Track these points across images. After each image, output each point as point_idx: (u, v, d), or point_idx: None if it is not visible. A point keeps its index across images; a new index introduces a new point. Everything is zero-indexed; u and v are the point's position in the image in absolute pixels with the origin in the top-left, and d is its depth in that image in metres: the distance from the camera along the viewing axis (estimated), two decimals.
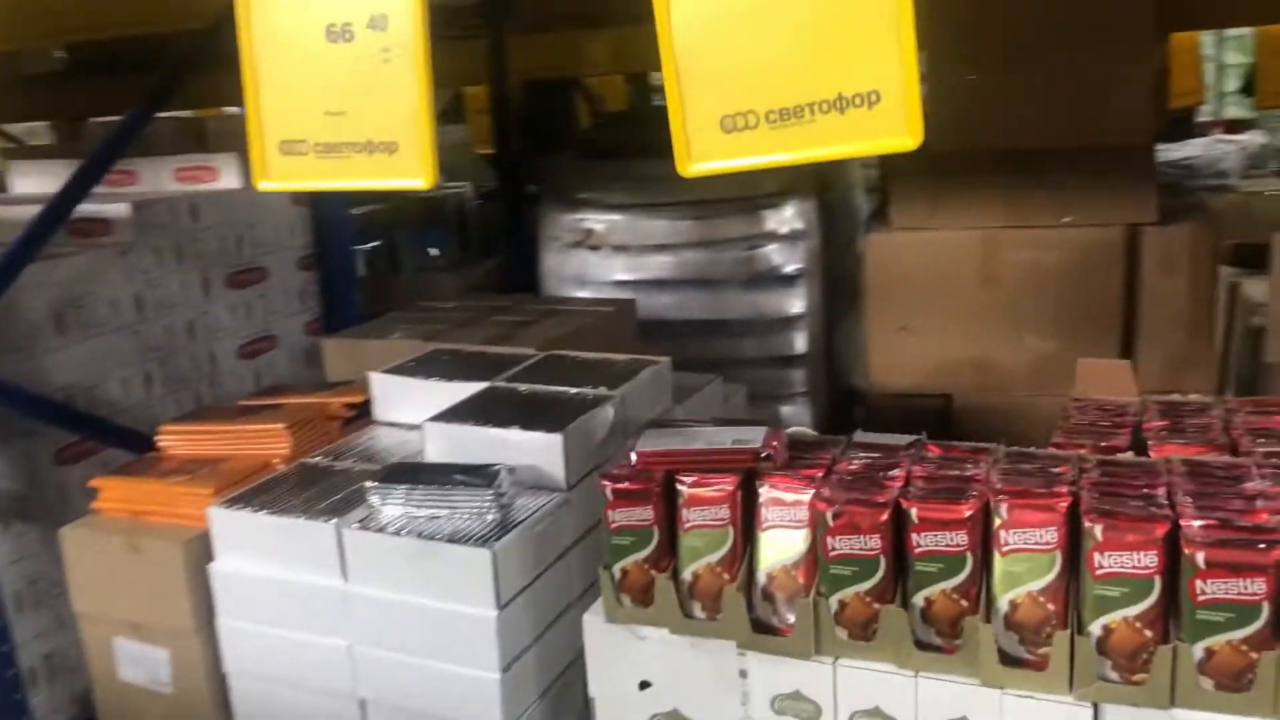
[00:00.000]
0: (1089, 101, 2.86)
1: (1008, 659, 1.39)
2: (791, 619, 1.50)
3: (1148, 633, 1.32)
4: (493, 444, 1.97)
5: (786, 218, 3.46)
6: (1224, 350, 3.17)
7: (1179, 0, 2.93)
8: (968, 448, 1.58)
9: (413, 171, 1.42)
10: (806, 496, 1.49)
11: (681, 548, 1.56)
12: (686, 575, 1.56)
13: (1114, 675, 1.34)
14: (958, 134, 2.75)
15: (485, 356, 2.46)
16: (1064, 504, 1.37)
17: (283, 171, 1.49)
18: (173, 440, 2.22)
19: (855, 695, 1.47)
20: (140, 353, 2.80)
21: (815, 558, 1.49)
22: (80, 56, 4.62)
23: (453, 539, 1.76)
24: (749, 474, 1.55)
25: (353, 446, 2.23)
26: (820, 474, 1.53)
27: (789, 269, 3.48)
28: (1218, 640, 1.28)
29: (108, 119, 3.81)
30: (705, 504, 1.54)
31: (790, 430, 1.66)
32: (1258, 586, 1.24)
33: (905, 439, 1.63)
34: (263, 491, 2.00)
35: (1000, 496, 1.40)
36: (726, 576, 1.54)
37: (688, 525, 1.55)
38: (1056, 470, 1.47)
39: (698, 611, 1.57)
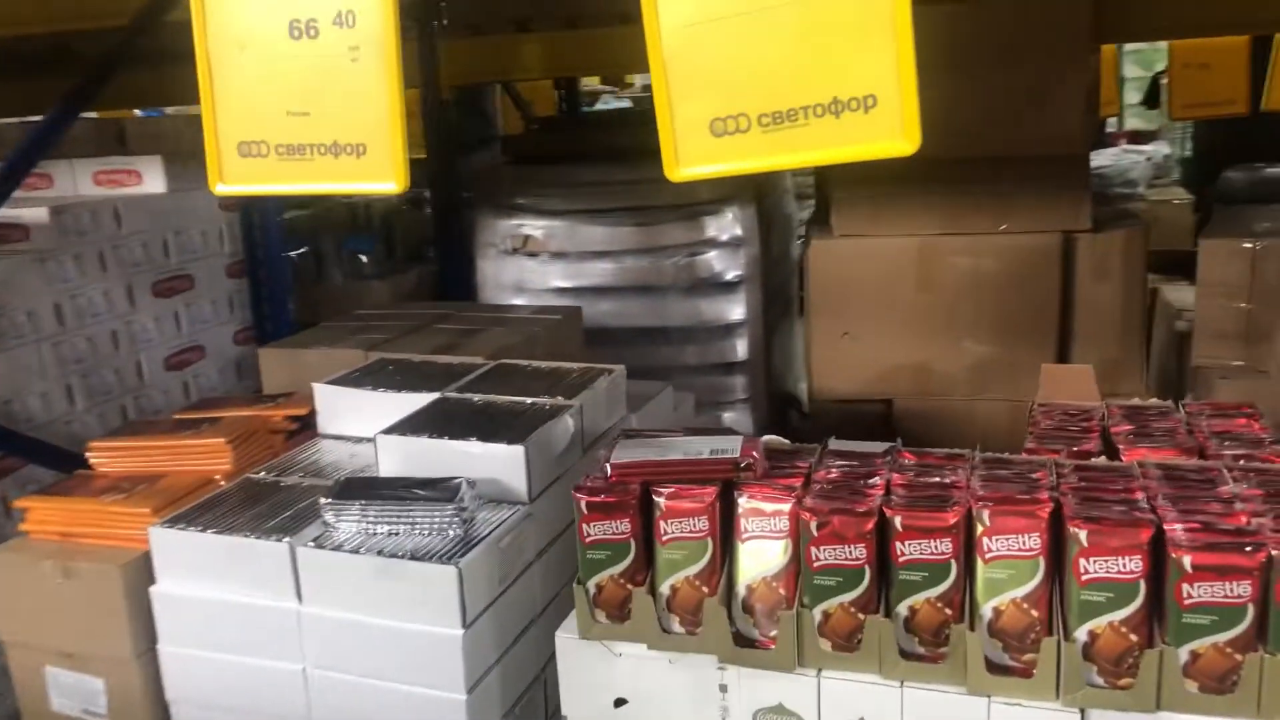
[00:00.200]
0: (1026, 111, 2.92)
1: (993, 666, 1.39)
2: (773, 631, 1.48)
3: (1133, 637, 1.32)
4: (450, 456, 1.90)
5: (727, 224, 3.45)
6: (1146, 353, 3.25)
7: (1112, 13, 2.99)
8: (943, 454, 1.58)
9: (383, 175, 1.37)
10: (787, 506, 1.47)
11: (659, 561, 1.53)
12: (664, 589, 1.53)
13: (1100, 680, 1.34)
14: None
15: (433, 366, 2.39)
16: (1046, 510, 1.37)
17: (241, 174, 1.42)
18: (104, 457, 2.11)
19: (840, 707, 1.45)
20: (61, 365, 2.67)
21: (797, 568, 1.47)
22: None
23: (415, 556, 1.70)
24: (726, 485, 1.52)
25: (298, 461, 2.15)
26: (799, 483, 1.50)
27: (730, 275, 3.47)
28: (1203, 643, 1.29)
29: (17, 120, 3.64)
30: (683, 516, 1.50)
31: (763, 439, 1.64)
32: (1243, 589, 1.26)
33: (880, 446, 1.62)
34: (206, 510, 1.90)
35: (982, 503, 1.39)
36: (706, 589, 1.51)
37: (665, 538, 1.51)
38: (1034, 476, 1.47)
39: (676, 626, 1.53)
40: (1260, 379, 2.97)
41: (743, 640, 1.50)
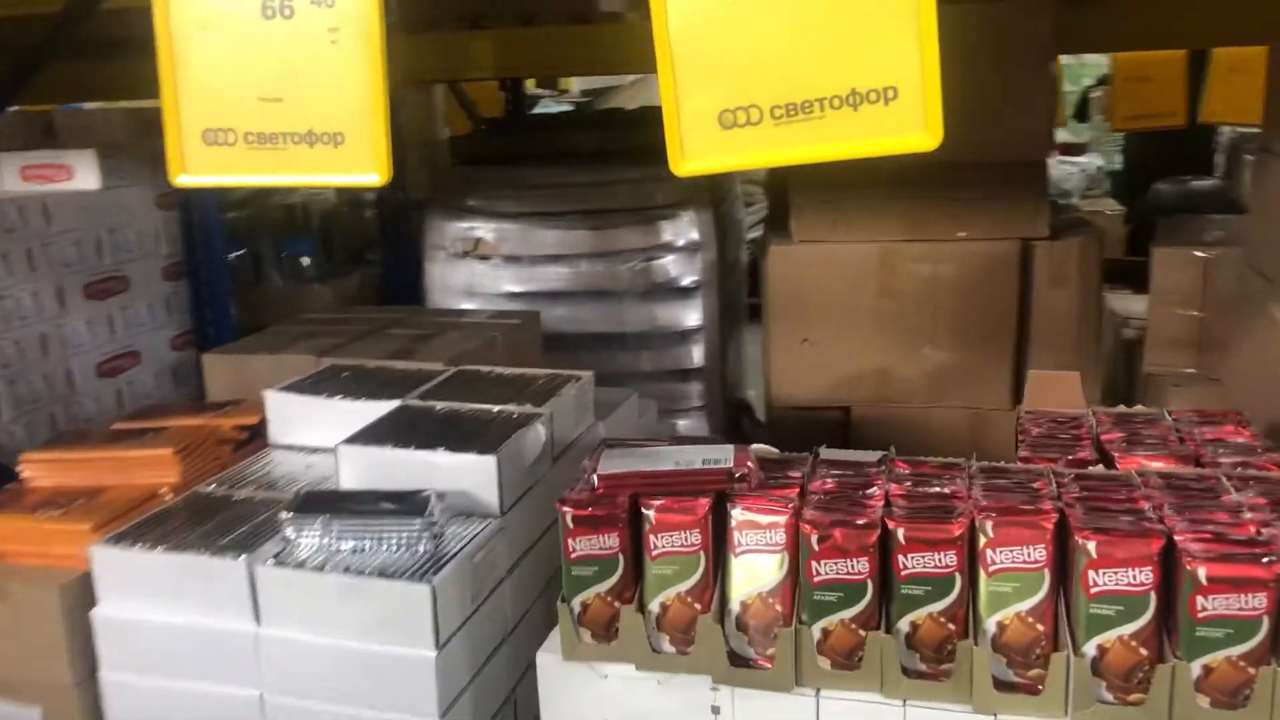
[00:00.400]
0: (986, 118, 2.91)
1: (998, 683, 1.35)
2: (769, 650, 1.42)
3: (1143, 651, 1.29)
4: (416, 468, 1.81)
5: (684, 229, 3.39)
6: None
7: (1067, 25, 3.01)
8: (937, 463, 1.54)
9: (362, 165, 1.28)
10: (783, 519, 1.41)
11: (648, 577, 1.46)
12: (654, 606, 1.46)
13: (1109, 696, 1.30)
14: None
15: (390, 372, 2.29)
16: (1052, 520, 1.33)
17: (206, 164, 1.32)
18: (38, 470, 1.97)
19: None
20: None
21: (794, 583, 1.41)
22: None
23: (384, 573, 1.61)
24: (718, 496, 1.45)
25: (249, 473, 2.03)
26: (794, 494, 1.45)
27: (686, 281, 3.41)
28: (1216, 657, 1.26)
29: None
30: (675, 529, 1.43)
31: (752, 448, 1.58)
32: (1258, 601, 1.23)
33: (873, 455, 1.57)
34: (152, 525, 1.78)
35: (986, 514, 1.35)
36: (699, 606, 1.44)
37: (656, 552, 1.44)
38: (1035, 485, 1.43)
39: (666, 645, 1.46)
40: (1213, 386, 3.00)
41: (737, 659, 1.43)
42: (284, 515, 1.70)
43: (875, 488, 1.45)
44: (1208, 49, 4.41)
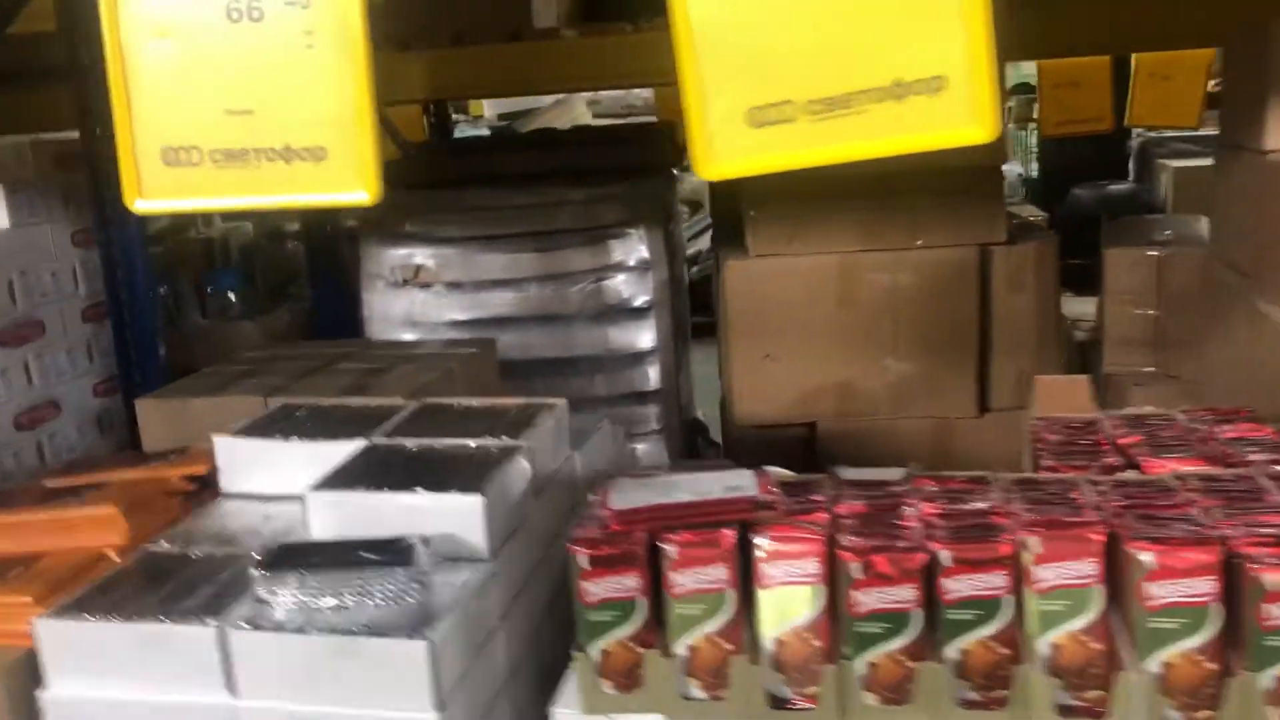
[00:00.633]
0: None
1: (1057, 708, 1.26)
2: (811, 689, 1.31)
3: (1210, 665, 1.22)
4: (394, 512, 1.66)
5: (633, 247, 3.30)
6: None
7: (1022, 30, 3.01)
8: (964, 477, 1.46)
9: (348, 183, 1.15)
10: (816, 547, 1.31)
11: (672, 618, 1.35)
12: (681, 649, 1.34)
13: (1177, 715, 1.23)
14: None
15: (347, 410, 2.13)
16: (1102, 532, 1.26)
17: (166, 187, 1.18)
18: None
19: None
20: None
21: (832, 616, 1.31)
22: None
23: (374, 631, 1.46)
24: (740, 527, 1.35)
25: (203, 528, 1.85)
26: (823, 520, 1.35)
27: (638, 301, 3.32)
28: None
29: None
30: (699, 564, 1.33)
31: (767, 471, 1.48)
32: None
33: (896, 472, 1.48)
34: (103, 592, 1.60)
35: (1032, 529, 1.27)
36: (730, 646, 1.33)
37: (680, 591, 1.33)
38: (1071, 496, 1.36)
39: (696, 691, 1.35)
40: (1172, 384, 3.01)
41: (776, 701, 1.33)
42: (254, 573, 1.54)
43: (908, 508, 1.36)
44: (1127, 55, 4.50)
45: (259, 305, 4.11)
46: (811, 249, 3.00)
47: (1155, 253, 3.03)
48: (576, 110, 7.31)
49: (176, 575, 1.67)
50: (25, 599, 1.60)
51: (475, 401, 2.14)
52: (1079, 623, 1.27)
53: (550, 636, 1.80)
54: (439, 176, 3.64)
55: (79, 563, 1.72)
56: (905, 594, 1.27)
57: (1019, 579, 1.28)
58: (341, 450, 1.89)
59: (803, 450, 3.10)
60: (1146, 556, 1.22)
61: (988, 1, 1.01)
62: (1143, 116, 4.37)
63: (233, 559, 1.70)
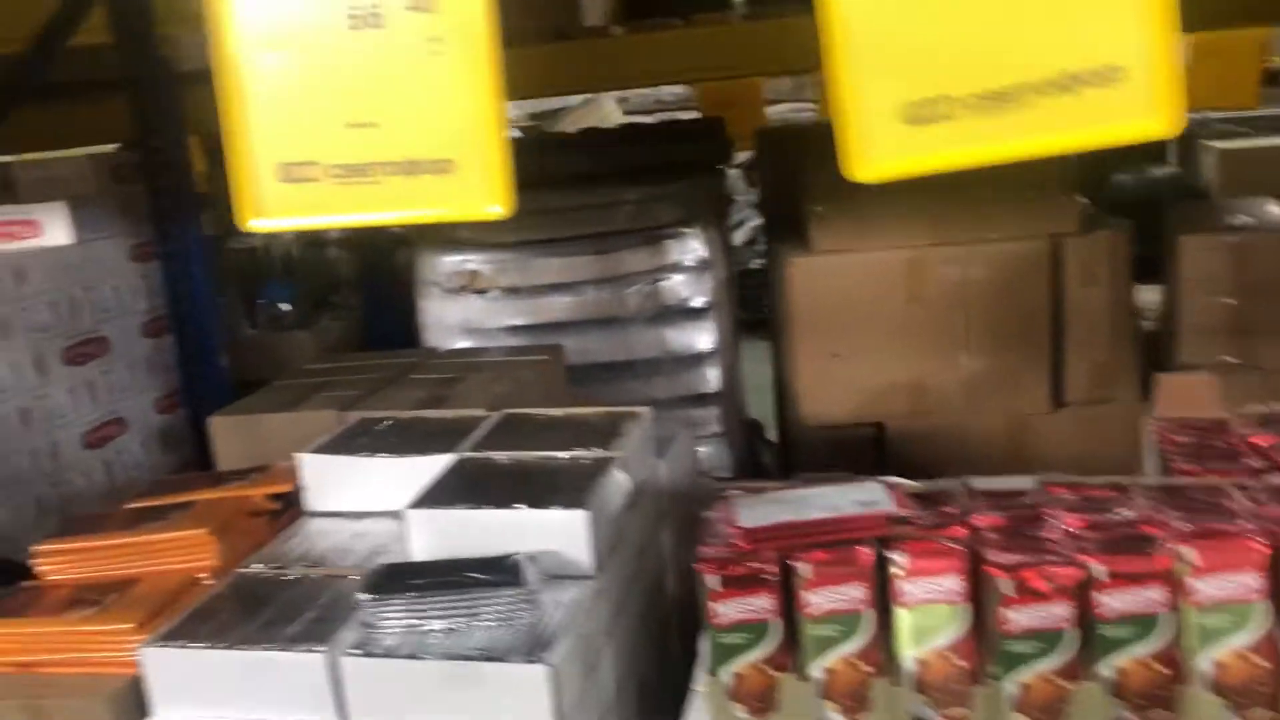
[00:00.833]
0: None
1: None
2: (956, 710, 1.26)
3: None
4: (497, 529, 1.62)
5: (691, 247, 3.24)
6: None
7: None
8: (1101, 484, 1.40)
9: (479, 197, 1.10)
10: (958, 563, 1.25)
11: (807, 639, 1.29)
12: (817, 672, 1.29)
13: None
14: None
15: (429, 423, 2.09)
16: (1265, 542, 1.20)
17: (284, 205, 1.13)
18: (56, 563, 1.74)
19: None
20: None
21: (976, 634, 1.25)
22: None
23: (489, 656, 1.41)
24: (875, 543, 1.29)
25: (292, 548, 1.81)
26: (963, 534, 1.29)
27: (697, 302, 3.25)
28: None
29: None
30: (835, 583, 1.27)
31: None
32: None
33: (1026, 480, 1.42)
34: (203, 618, 1.56)
35: (1188, 540, 1.21)
36: (870, 668, 1.28)
37: (815, 611, 1.28)
38: (1223, 503, 1.30)
39: (834, 715, 1.30)
40: (1253, 374, 2.93)
41: None
42: (360, 596, 1.50)
43: (1049, 519, 1.30)
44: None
45: (307, 315, 4.08)
46: (879, 244, 2.95)
47: (1232, 239, 2.95)
48: (606, 108, 7.25)
49: (274, 599, 1.62)
50: (128, 626, 1.56)
51: (557, 411, 2.09)
52: (1242, 638, 1.21)
53: (646, 652, 1.76)
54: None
55: (174, 587, 1.68)
56: (1059, 611, 1.21)
57: (1176, 593, 1.22)
58: (429, 465, 1.84)
59: (871, 451, 3.04)
60: None
61: None
62: (1200, 99, 4.26)
63: (329, 580, 1.66)
